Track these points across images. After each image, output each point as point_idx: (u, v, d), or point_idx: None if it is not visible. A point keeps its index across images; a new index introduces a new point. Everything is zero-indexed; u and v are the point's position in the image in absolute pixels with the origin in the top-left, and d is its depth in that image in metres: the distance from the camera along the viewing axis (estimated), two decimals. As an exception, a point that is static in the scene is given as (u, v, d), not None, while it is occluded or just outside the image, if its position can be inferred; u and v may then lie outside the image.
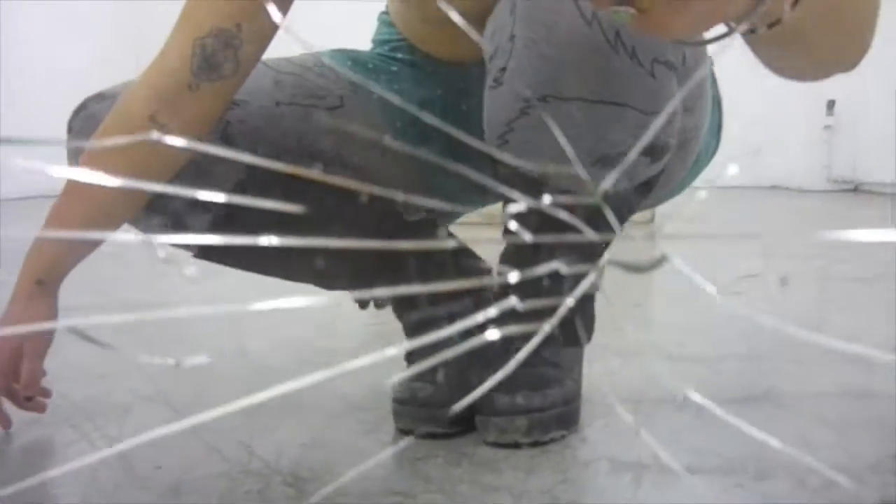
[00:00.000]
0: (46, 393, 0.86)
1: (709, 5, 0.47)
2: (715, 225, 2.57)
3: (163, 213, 0.84)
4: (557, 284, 0.31)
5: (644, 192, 0.80)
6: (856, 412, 0.86)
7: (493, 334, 0.25)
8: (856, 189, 3.79)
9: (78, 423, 0.87)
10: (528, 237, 0.25)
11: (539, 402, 0.78)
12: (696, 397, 0.30)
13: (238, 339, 1.19)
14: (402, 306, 0.95)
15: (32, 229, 0.84)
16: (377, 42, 1.02)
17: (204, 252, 0.86)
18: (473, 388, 0.84)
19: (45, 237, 0.83)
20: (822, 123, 3.82)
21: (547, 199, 0.22)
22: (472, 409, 0.80)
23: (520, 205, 0.23)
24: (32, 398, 0.84)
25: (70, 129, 0.85)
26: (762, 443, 0.76)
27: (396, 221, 0.92)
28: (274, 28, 0.81)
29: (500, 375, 0.27)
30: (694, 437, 0.78)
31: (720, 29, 0.55)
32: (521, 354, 0.25)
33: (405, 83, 0.97)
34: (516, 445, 0.77)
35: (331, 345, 1.20)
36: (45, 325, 0.81)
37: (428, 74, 0.97)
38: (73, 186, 0.81)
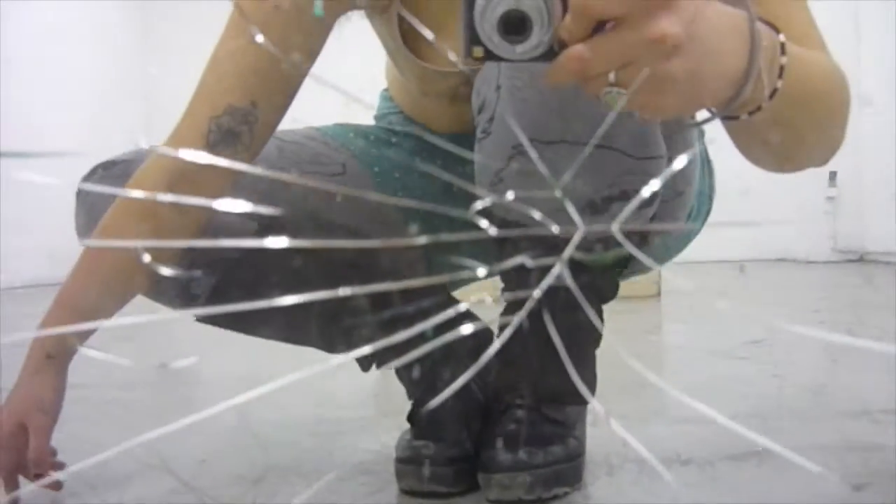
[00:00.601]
0: (58, 466, 0.85)
1: (691, 87, 0.51)
2: (720, 298, 2.58)
3: (172, 281, 0.85)
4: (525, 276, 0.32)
5: (639, 246, 0.81)
6: (861, 465, 0.85)
7: (466, 328, 0.27)
8: (861, 259, 3.80)
9: (79, 491, 0.87)
10: (492, 231, 0.26)
11: (542, 459, 0.78)
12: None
13: (241, 410, 1.18)
14: (404, 369, 0.95)
15: (35, 317, 0.85)
16: (378, 117, 1.07)
17: (205, 316, 0.87)
18: (475, 439, 0.83)
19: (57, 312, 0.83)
20: (825, 195, 3.85)
21: (510, 195, 0.24)
22: (475, 466, 0.79)
23: (485, 201, 0.24)
24: (41, 475, 0.83)
25: (79, 195, 0.87)
26: (763, 497, 0.75)
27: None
28: (288, 101, 0.84)
29: (476, 367, 0.28)
30: (698, 493, 0.78)
31: (705, 114, 0.59)
32: (498, 343, 0.26)
33: (403, 153, 1.00)
34: (519, 502, 0.77)
35: (334, 415, 1.20)
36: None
37: (424, 145, 1.00)
38: (85, 259, 0.83)
